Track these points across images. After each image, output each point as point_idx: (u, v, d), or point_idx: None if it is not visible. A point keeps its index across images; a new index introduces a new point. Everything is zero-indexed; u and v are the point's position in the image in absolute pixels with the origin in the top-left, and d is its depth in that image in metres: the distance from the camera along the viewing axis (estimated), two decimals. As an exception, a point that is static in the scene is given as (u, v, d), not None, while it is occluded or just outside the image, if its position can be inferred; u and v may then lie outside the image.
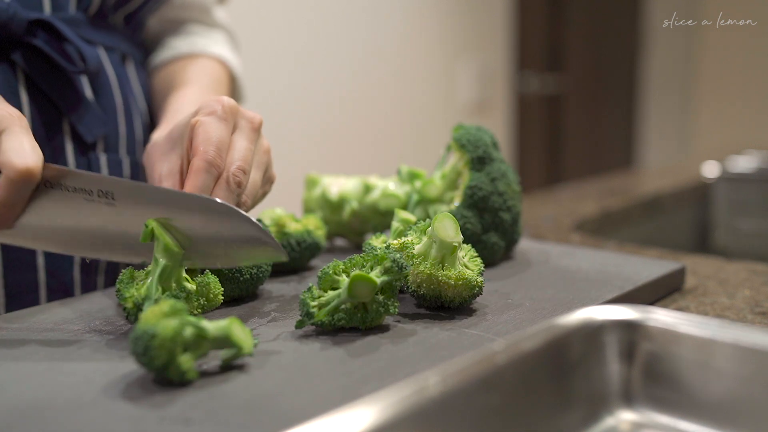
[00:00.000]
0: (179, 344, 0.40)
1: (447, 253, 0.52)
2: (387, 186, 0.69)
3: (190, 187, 0.51)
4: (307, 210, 0.73)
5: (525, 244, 0.73)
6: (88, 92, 0.68)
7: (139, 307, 0.48)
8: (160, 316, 0.41)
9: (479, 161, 0.64)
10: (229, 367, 0.43)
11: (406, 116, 2.38)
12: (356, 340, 0.47)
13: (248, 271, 0.55)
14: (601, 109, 3.54)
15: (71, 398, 0.39)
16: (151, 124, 0.78)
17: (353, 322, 0.49)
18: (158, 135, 0.64)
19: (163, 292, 0.49)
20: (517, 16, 2.89)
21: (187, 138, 0.55)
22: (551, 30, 3.13)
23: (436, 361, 0.43)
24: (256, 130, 0.57)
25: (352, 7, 2.16)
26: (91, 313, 0.54)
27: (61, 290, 0.66)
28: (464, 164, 0.65)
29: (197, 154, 0.52)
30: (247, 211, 0.54)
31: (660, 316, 0.44)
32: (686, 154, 3.55)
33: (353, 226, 0.72)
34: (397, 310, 0.50)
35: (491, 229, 0.65)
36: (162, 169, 0.56)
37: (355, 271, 0.48)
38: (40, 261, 0.64)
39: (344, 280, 0.49)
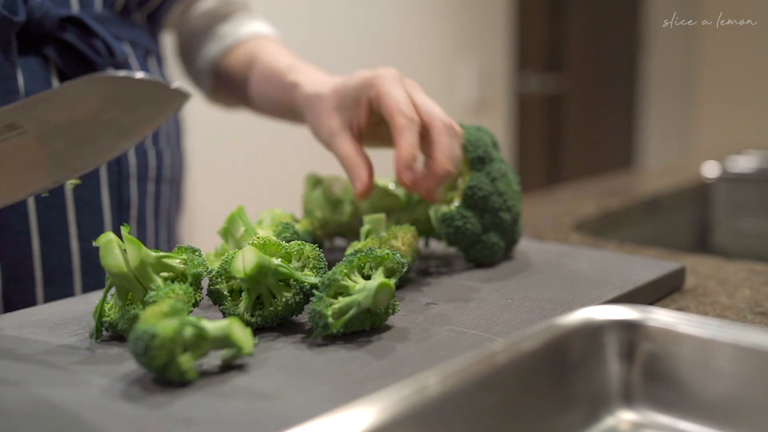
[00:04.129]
0: (179, 344, 0.40)
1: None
2: (387, 186, 0.69)
3: (404, 145, 0.57)
4: (307, 210, 0.73)
5: (525, 244, 0.73)
6: None
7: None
8: (160, 316, 0.41)
9: (479, 161, 0.64)
10: (229, 367, 0.43)
11: (406, 116, 2.38)
12: (356, 340, 0.47)
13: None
14: (601, 109, 3.54)
15: (71, 398, 0.39)
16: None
17: (364, 325, 0.48)
18: (317, 89, 0.66)
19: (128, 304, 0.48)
20: (517, 16, 2.89)
21: (363, 101, 0.61)
22: (551, 30, 3.13)
23: (436, 361, 0.43)
24: (420, 88, 0.63)
25: (352, 7, 2.16)
26: (90, 313, 0.54)
27: (94, 274, 0.69)
28: (464, 164, 0.65)
29: (397, 114, 0.58)
30: (455, 160, 0.59)
31: (660, 316, 0.44)
32: (686, 154, 3.55)
33: (353, 226, 0.72)
34: (398, 309, 0.50)
35: (491, 229, 0.65)
36: (332, 124, 0.63)
37: (379, 280, 0.47)
38: (75, 246, 0.68)
39: (354, 285, 0.48)
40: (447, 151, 0.58)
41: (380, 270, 0.49)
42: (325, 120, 0.63)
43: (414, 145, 0.57)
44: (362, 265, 0.49)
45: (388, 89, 0.60)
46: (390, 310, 0.49)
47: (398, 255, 0.50)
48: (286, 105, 0.74)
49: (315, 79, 0.69)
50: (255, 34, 0.87)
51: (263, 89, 0.80)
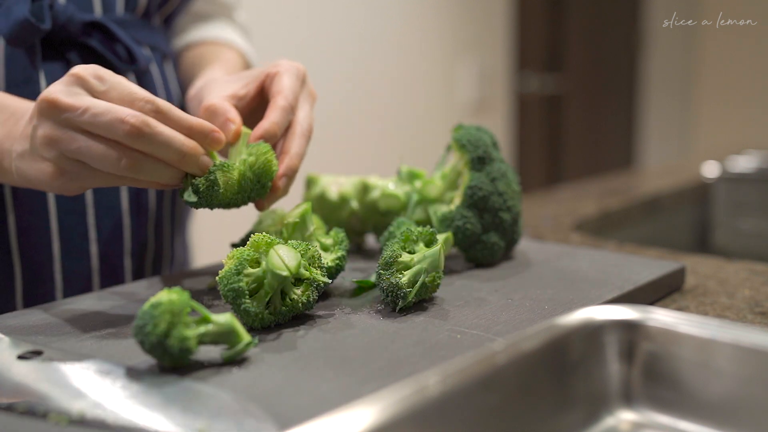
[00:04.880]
0: (182, 316, 0.41)
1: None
2: (387, 186, 0.69)
3: (272, 119, 0.58)
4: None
5: (525, 244, 0.73)
6: None
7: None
8: (167, 296, 0.42)
9: (479, 161, 0.64)
10: (228, 366, 0.43)
11: (406, 116, 2.38)
12: (357, 340, 0.47)
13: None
14: (601, 109, 3.54)
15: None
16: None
17: (427, 294, 0.54)
18: (211, 75, 0.68)
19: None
20: (517, 16, 2.89)
21: (258, 81, 0.61)
22: (551, 30, 3.13)
23: (436, 361, 0.43)
24: (315, 101, 0.64)
25: (352, 7, 2.16)
26: (88, 315, 0.54)
27: (112, 276, 0.71)
28: (464, 164, 0.65)
29: (281, 95, 0.59)
30: (302, 158, 0.60)
31: (660, 316, 0.44)
32: (686, 154, 3.55)
33: (353, 226, 0.72)
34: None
35: (491, 229, 0.65)
36: (224, 90, 0.61)
37: (438, 243, 0.55)
38: (94, 249, 0.69)
39: (412, 258, 0.53)
40: (300, 150, 0.59)
41: (420, 243, 0.55)
42: (215, 91, 0.62)
43: (280, 125, 0.58)
44: (406, 241, 0.55)
45: (287, 75, 0.60)
46: (443, 270, 0.55)
47: (433, 228, 0.56)
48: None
49: (219, 71, 0.71)
50: (214, 39, 0.84)
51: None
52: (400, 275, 0.53)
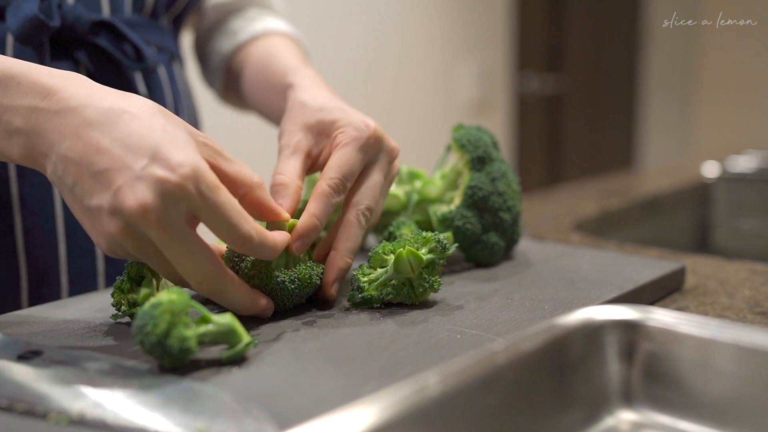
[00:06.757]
0: (182, 316, 0.41)
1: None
2: (387, 186, 0.69)
3: (310, 210, 0.53)
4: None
5: (525, 244, 0.73)
6: (142, 89, 0.72)
7: None
8: (167, 296, 0.42)
9: (479, 161, 0.64)
10: (228, 366, 0.43)
11: (406, 116, 2.38)
12: (357, 340, 0.47)
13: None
14: (601, 109, 3.54)
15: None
16: (199, 115, 0.81)
17: (400, 297, 0.53)
18: (307, 99, 0.61)
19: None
20: (517, 16, 2.89)
21: (325, 139, 0.58)
22: (551, 30, 3.13)
23: (436, 361, 0.43)
24: (393, 161, 0.58)
25: (353, 7, 2.16)
26: (88, 315, 0.54)
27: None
28: (464, 164, 0.65)
29: (324, 177, 0.54)
30: (355, 252, 0.55)
31: (660, 316, 0.44)
32: (686, 154, 3.55)
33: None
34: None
35: (491, 229, 0.65)
36: (294, 137, 0.58)
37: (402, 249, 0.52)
38: (99, 250, 0.68)
39: (391, 258, 0.53)
40: (351, 245, 0.54)
41: (424, 248, 0.53)
42: (292, 128, 0.59)
43: (320, 217, 0.52)
44: (410, 244, 0.53)
45: (344, 146, 0.55)
46: (427, 284, 0.52)
47: (441, 236, 0.54)
48: (276, 105, 0.70)
49: (311, 87, 0.64)
50: (268, 31, 0.82)
51: (260, 85, 0.76)
52: (367, 270, 0.54)
